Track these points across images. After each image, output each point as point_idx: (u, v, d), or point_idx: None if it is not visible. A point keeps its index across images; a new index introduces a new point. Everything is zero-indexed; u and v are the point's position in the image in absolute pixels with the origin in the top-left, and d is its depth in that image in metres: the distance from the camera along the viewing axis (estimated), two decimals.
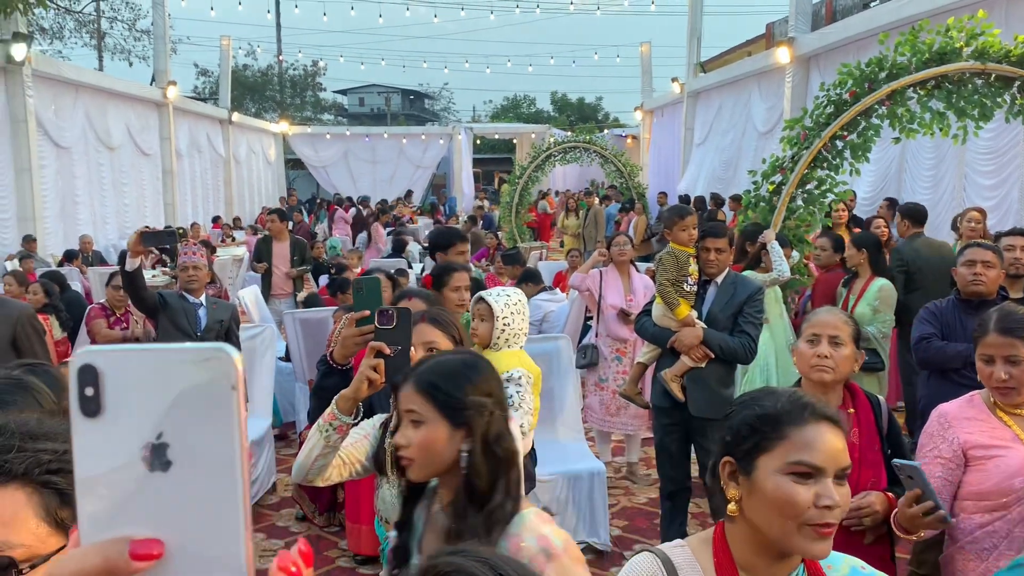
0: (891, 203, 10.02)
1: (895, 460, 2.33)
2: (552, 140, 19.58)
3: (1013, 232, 4.55)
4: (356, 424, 2.16)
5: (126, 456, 0.54)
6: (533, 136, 27.25)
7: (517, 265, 7.67)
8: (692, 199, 15.85)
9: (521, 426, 2.93)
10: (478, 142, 33.43)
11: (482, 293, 3.30)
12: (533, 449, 3.54)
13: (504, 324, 3.16)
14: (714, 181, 16.93)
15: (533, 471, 3.48)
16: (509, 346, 3.18)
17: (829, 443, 1.40)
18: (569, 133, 24.84)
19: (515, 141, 31.11)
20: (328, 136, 29.05)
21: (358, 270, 8.86)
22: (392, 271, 5.98)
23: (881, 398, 2.66)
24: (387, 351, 2.03)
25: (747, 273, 5.56)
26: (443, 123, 44.93)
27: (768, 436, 1.43)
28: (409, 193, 26.62)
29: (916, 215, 6.71)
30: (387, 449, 2.14)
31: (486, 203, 24.56)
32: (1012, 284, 4.39)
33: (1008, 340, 2.43)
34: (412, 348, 2.09)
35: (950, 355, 3.87)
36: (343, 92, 56.74)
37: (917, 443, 2.61)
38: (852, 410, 2.56)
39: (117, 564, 0.52)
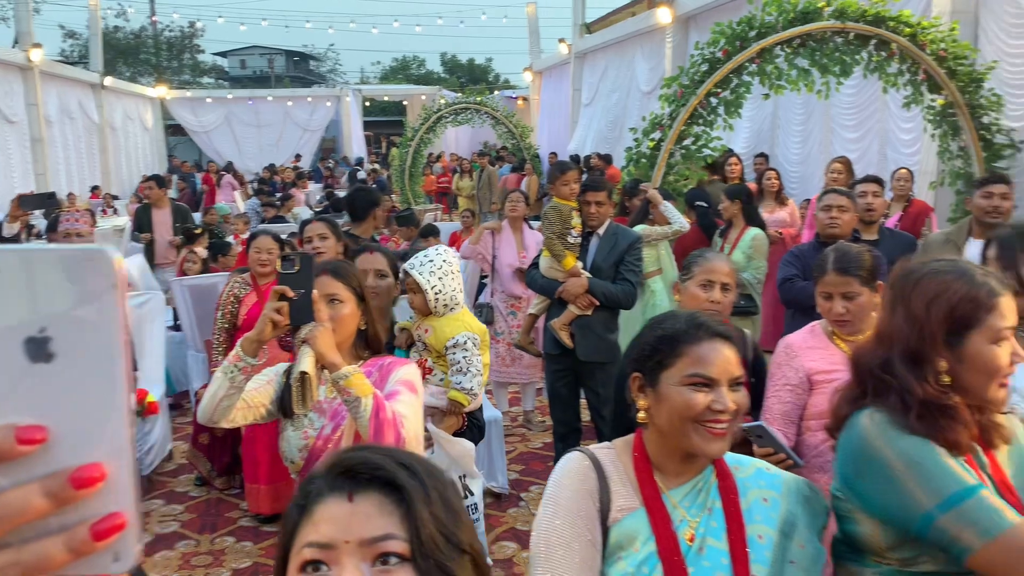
0: (765, 158, 10.54)
1: (742, 425, 2.59)
2: (443, 102, 19.50)
3: (866, 179, 4.93)
4: (260, 367, 2.26)
5: (6, 349, 0.57)
6: (424, 98, 27.02)
7: (411, 226, 7.73)
8: (581, 158, 16.16)
9: (472, 388, 2.99)
10: (367, 104, 32.88)
11: (405, 266, 3.17)
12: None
13: (436, 293, 3.05)
14: (602, 141, 17.28)
15: (483, 423, 3.56)
16: (451, 310, 3.09)
17: (722, 357, 1.58)
18: (460, 95, 24.77)
19: (406, 103, 30.76)
20: (209, 100, 27.99)
21: (245, 236, 8.72)
22: (286, 235, 5.97)
23: (747, 331, 2.94)
24: (291, 294, 2.14)
25: (643, 227, 5.82)
26: (330, 85, 43.90)
27: (669, 353, 1.61)
28: (298, 157, 26.05)
29: None
30: (292, 385, 2.25)
31: (377, 166, 24.30)
32: (867, 228, 4.78)
33: (844, 279, 2.70)
34: (315, 294, 2.19)
35: (809, 293, 4.20)
36: (223, 54, 54.52)
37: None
38: None
39: (2, 447, 0.55)
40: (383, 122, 38.08)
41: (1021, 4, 7.50)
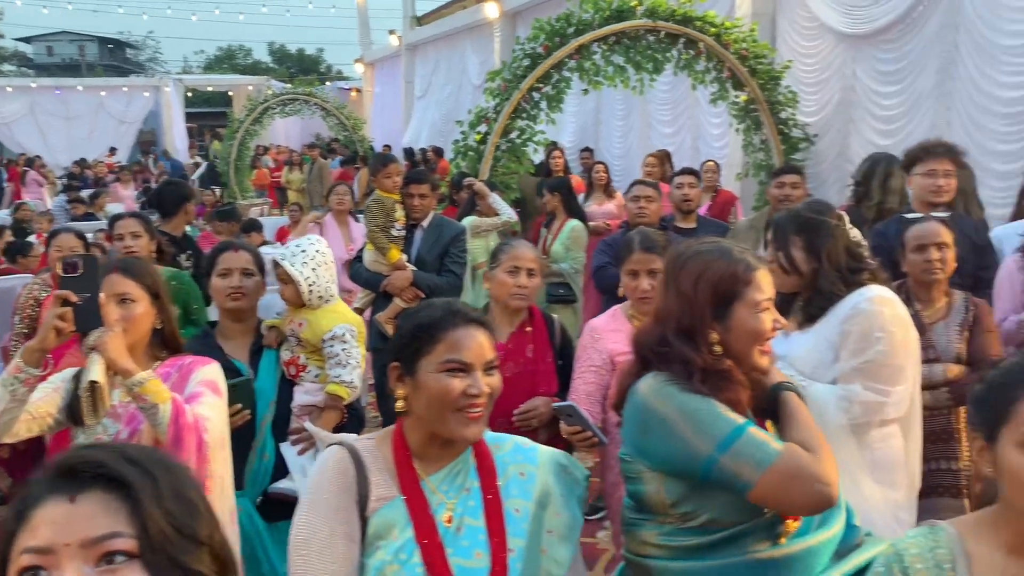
0: (590, 152, 10.95)
1: (553, 404, 2.70)
2: (270, 92, 18.87)
3: (683, 172, 5.22)
4: (44, 377, 2.12)
5: None
6: (250, 88, 25.97)
7: (233, 221, 7.46)
8: (415, 152, 16.14)
9: (352, 381, 2.88)
10: (190, 95, 31.30)
11: (276, 256, 3.03)
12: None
13: (310, 284, 2.92)
14: (436, 134, 17.32)
15: (363, 413, 3.46)
16: (325, 302, 2.97)
17: (476, 342, 1.63)
18: (289, 85, 24.05)
19: (231, 94, 29.53)
20: (10, 89, 25.74)
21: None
22: (93, 233, 5.61)
23: (555, 316, 3.07)
24: (74, 299, 2.01)
25: (472, 219, 5.89)
26: (149, 74, 41.47)
27: (425, 341, 1.64)
28: (112, 151, 24.43)
29: None
30: (81, 396, 2.12)
31: (198, 159, 23.18)
32: (685, 217, 5.06)
33: (649, 256, 2.88)
34: (101, 297, 2.07)
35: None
36: (26, 40, 50.29)
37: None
38: (530, 328, 2.93)
39: None
40: (208, 113, 36.37)
41: (812, 8, 8.15)
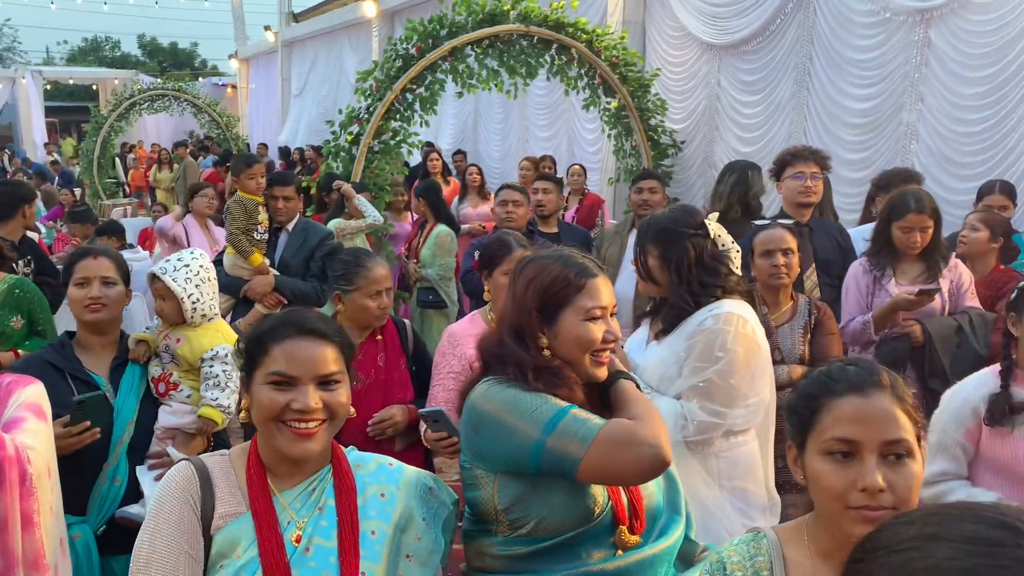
0: (463, 155, 10.94)
1: (420, 410, 2.65)
2: (137, 87, 18.00)
3: (540, 178, 5.27)
4: None
5: None
6: (117, 82, 24.76)
7: (87, 223, 7.04)
8: (292, 151, 15.73)
9: (228, 406, 2.67)
10: (49, 88, 29.52)
11: (155, 270, 2.80)
12: None
13: (194, 302, 2.72)
14: (313, 133, 16.94)
15: (228, 442, 3.21)
16: (208, 319, 2.77)
17: (306, 355, 1.57)
18: (159, 80, 23.00)
19: (96, 88, 28.04)
20: None
21: None
22: None
23: (407, 322, 3.00)
24: None
25: (338, 221, 5.74)
26: (6, 65, 38.83)
27: (257, 352, 1.59)
28: None
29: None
30: None
31: (56, 156, 21.86)
32: (545, 222, 5.10)
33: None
34: None
35: None
36: None
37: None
38: (380, 336, 2.86)
39: None
40: (71, 108, 34.38)
41: (679, 18, 8.41)
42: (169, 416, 2.66)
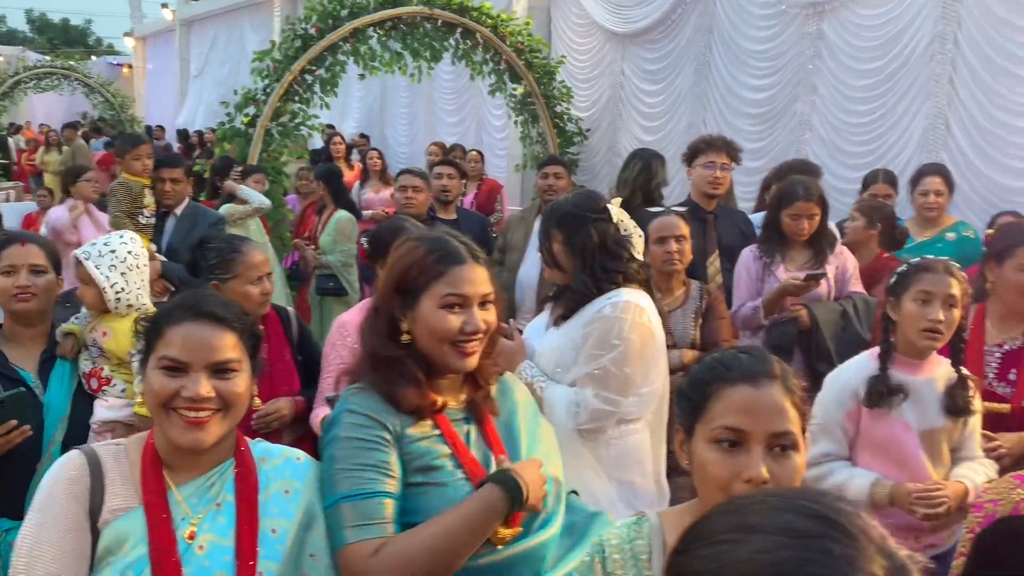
0: (366, 139, 10.77)
1: (326, 395, 2.56)
2: (23, 65, 17.04)
3: (441, 163, 5.19)
4: None
5: None
6: (1, 59, 23.40)
7: None
8: (190, 133, 15.16)
9: None
10: None
11: (78, 254, 2.58)
12: None
13: (118, 291, 2.52)
14: (212, 115, 16.37)
15: None
16: (134, 308, 2.56)
17: (198, 339, 1.49)
18: (48, 57, 21.83)
19: None
20: None
21: None
22: None
23: (290, 310, 2.88)
24: None
25: (228, 206, 5.54)
26: None
27: (153, 337, 1.51)
28: None
29: None
30: None
31: None
32: (444, 208, 5.03)
33: None
34: None
35: None
36: None
37: None
38: (262, 327, 2.72)
39: None
40: None
41: (584, 7, 8.43)
42: (105, 411, 2.50)
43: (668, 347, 3.05)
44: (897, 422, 2.39)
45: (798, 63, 6.58)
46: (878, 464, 2.40)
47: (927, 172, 4.58)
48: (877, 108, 6.09)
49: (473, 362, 1.69)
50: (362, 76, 7.42)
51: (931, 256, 2.43)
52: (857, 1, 6.13)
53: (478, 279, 1.70)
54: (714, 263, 4.15)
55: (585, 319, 2.41)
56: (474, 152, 7.47)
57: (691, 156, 4.23)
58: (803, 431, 1.33)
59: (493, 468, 1.68)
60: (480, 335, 1.69)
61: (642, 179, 4.54)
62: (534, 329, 2.64)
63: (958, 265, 2.42)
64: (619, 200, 2.58)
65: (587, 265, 2.42)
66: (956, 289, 2.32)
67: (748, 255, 3.83)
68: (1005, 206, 5.04)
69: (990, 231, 3.11)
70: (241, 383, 1.53)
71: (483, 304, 1.70)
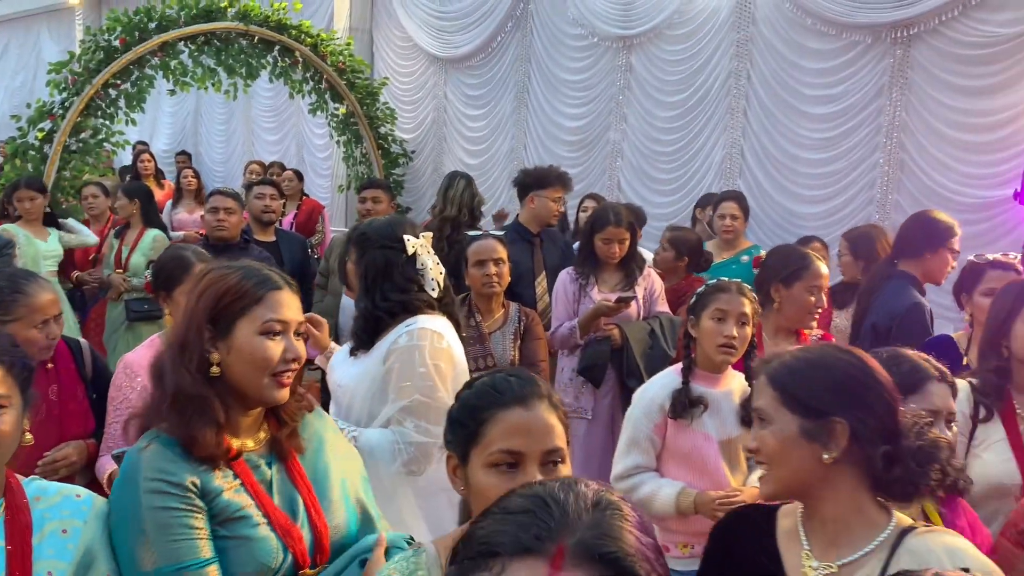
0: (187, 156, 10.27)
1: (114, 452, 2.38)
2: None
3: (260, 182, 5.03)
4: None
5: None
6: None
7: None
8: None
9: None
10: None
11: None
12: None
13: None
14: (4, 127, 15.04)
15: None
16: None
17: None
18: None
19: None
20: None
21: None
22: None
23: (83, 342, 2.66)
24: None
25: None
26: None
27: None
28: None
29: None
30: None
31: None
32: (263, 230, 4.87)
33: None
34: None
35: None
36: None
37: None
38: (51, 365, 2.49)
39: None
40: None
41: (407, 30, 8.46)
42: None
43: (490, 368, 3.12)
44: (699, 433, 2.54)
45: (610, 94, 6.91)
46: (683, 474, 2.54)
47: (724, 198, 4.95)
48: (681, 138, 6.50)
49: (287, 394, 1.63)
50: (172, 92, 7.08)
51: (726, 278, 2.61)
52: (662, 36, 6.53)
53: (295, 306, 1.66)
54: (542, 283, 4.29)
55: (382, 352, 2.34)
56: (290, 172, 7.29)
57: (535, 185, 4.34)
58: (567, 443, 1.39)
59: (301, 511, 1.63)
60: (296, 364, 1.64)
61: (467, 196, 4.64)
62: (337, 359, 2.56)
63: (749, 286, 2.62)
64: (430, 236, 2.58)
65: (369, 291, 2.38)
66: (748, 308, 2.51)
67: (565, 277, 3.97)
68: (795, 230, 5.53)
69: (760, 254, 3.40)
70: (7, 421, 1.43)
71: (298, 334, 1.66)
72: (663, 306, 4.03)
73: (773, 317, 2.91)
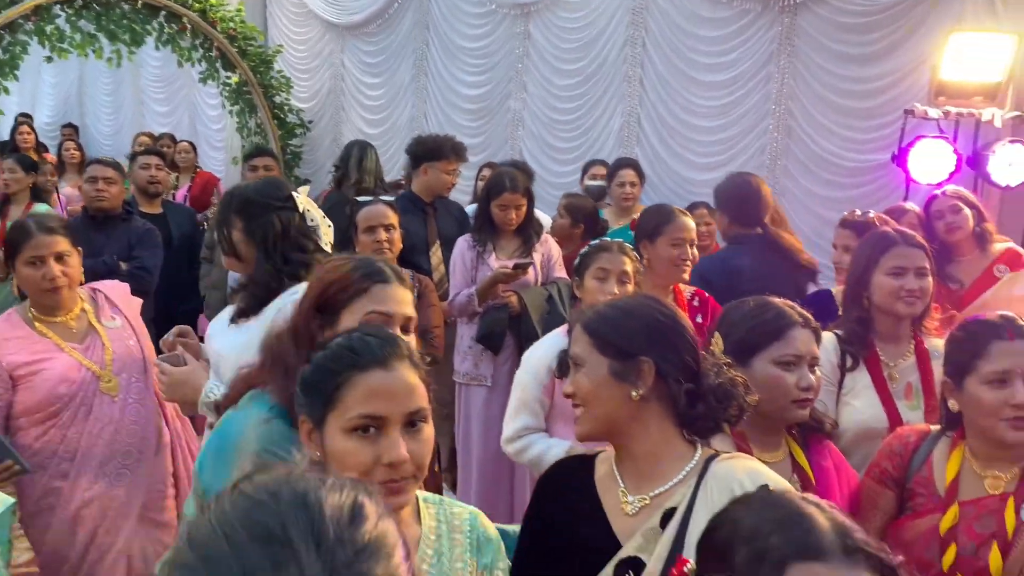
0: (74, 129, 9.78)
1: None
2: None
3: (145, 152, 4.85)
4: None
5: None
6: None
7: None
8: None
9: None
10: None
11: None
12: None
13: None
14: None
15: None
16: None
17: None
18: None
19: None
20: None
21: None
22: None
23: None
24: None
25: None
26: None
27: None
28: None
29: None
30: None
31: None
32: (150, 203, 4.69)
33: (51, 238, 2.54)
34: None
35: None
36: None
37: None
38: None
39: None
40: None
41: None
42: None
43: None
44: None
45: (509, 62, 6.88)
46: (571, 432, 2.56)
47: (621, 165, 5.01)
48: (580, 106, 6.53)
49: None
50: (49, 59, 6.70)
51: (609, 239, 2.65)
52: (559, 4, 6.52)
53: (402, 300, 1.68)
54: (436, 253, 4.27)
55: (268, 319, 2.19)
56: (185, 143, 7.03)
57: (427, 156, 4.30)
58: (428, 400, 1.36)
59: None
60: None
61: (372, 164, 4.63)
62: (217, 328, 2.48)
63: (631, 246, 2.66)
64: (306, 189, 2.50)
65: (269, 255, 2.28)
66: (628, 266, 2.55)
67: (463, 244, 3.96)
68: (691, 197, 5.63)
69: (635, 216, 3.45)
70: None
71: (405, 329, 1.65)
72: (561, 272, 4.05)
73: (647, 275, 2.95)
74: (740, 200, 3.56)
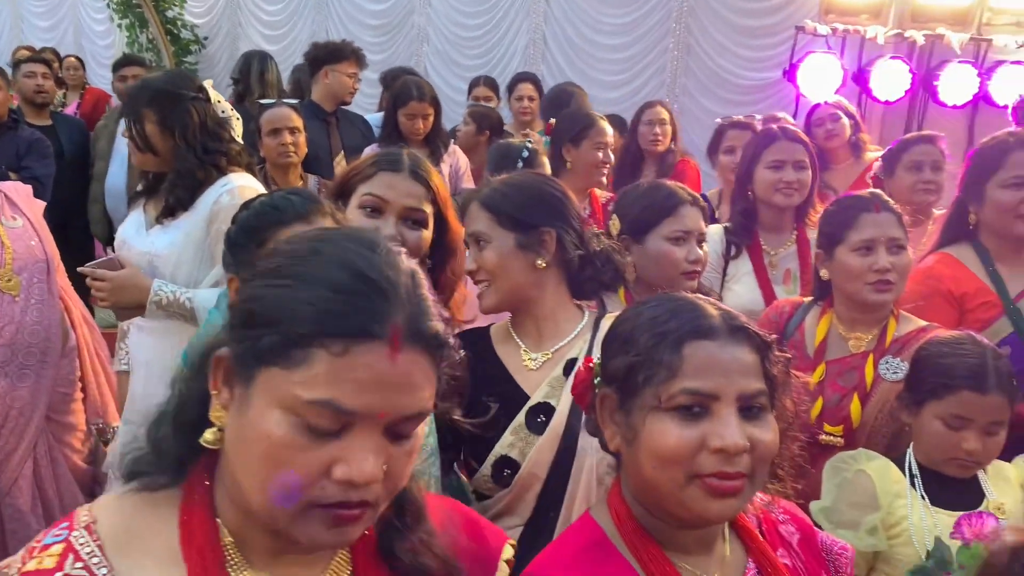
0: None
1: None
2: None
3: (29, 60, 4.62)
4: None
5: None
6: None
7: None
8: None
9: None
10: None
11: None
12: None
13: None
14: None
15: None
16: None
17: None
18: None
19: None
20: None
21: None
22: None
23: None
24: None
25: None
26: None
27: None
28: None
29: None
30: None
31: None
32: (38, 113, 4.49)
33: None
34: None
35: None
36: None
37: None
38: None
39: None
40: None
41: None
42: None
43: None
44: None
45: None
46: None
47: (519, 79, 5.06)
48: (486, 23, 6.51)
49: None
50: None
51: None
52: None
53: (405, 190, 1.67)
54: (340, 163, 4.25)
55: (204, 214, 2.24)
56: (72, 58, 6.67)
57: (328, 59, 4.25)
58: None
59: None
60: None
61: (255, 80, 4.54)
62: (128, 232, 2.42)
63: None
64: (210, 81, 2.47)
65: (190, 146, 2.25)
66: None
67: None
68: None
69: (552, 120, 3.52)
70: None
71: (407, 220, 1.67)
72: (469, 183, 4.09)
73: (567, 178, 3.05)
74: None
